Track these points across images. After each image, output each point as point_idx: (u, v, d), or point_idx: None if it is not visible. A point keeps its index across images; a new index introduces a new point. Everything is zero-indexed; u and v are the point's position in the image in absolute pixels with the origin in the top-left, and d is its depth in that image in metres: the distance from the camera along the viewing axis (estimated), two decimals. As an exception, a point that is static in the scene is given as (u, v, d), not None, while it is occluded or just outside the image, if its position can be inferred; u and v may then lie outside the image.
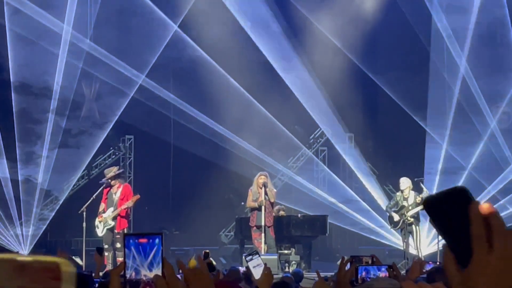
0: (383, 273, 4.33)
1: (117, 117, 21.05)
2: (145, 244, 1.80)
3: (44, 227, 20.13)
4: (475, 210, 1.22)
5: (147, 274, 1.78)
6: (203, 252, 8.61)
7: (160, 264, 1.80)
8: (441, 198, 1.27)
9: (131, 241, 1.80)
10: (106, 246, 14.35)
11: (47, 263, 1.03)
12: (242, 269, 9.86)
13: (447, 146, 20.67)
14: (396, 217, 15.05)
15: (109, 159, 22.68)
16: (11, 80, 19.98)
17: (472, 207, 1.22)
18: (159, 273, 1.78)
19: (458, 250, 1.24)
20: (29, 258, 1.04)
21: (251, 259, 5.23)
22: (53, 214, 20.51)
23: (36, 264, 1.02)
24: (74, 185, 21.81)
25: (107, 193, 14.56)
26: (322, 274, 12.44)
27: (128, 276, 1.78)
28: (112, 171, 14.70)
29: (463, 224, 1.23)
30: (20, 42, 19.91)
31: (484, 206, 1.23)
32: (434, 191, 18.56)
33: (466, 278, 1.22)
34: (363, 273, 4.28)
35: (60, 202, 20.87)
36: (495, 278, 1.20)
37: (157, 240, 1.80)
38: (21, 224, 19.67)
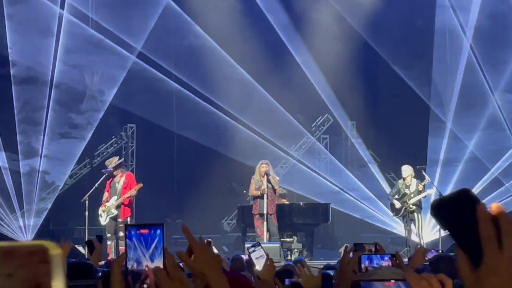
0: (386, 262, 4.33)
1: (118, 105, 21.04)
2: (146, 235, 1.80)
3: (44, 216, 20.13)
4: (481, 211, 1.23)
5: (148, 264, 1.78)
6: (205, 240, 8.60)
7: (162, 255, 1.79)
8: (447, 202, 1.28)
9: (132, 232, 1.79)
10: (109, 235, 14.39)
11: (34, 246, 1.02)
12: (244, 257, 9.88)
13: (449, 135, 20.63)
14: (397, 205, 15.05)
15: (111, 148, 22.69)
16: (11, 69, 19.95)
17: (479, 208, 1.22)
18: (161, 264, 1.78)
19: (469, 251, 1.24)
20: (15, 244, 1.02)
21: (254, 251, 5.26)
22: (55, 203, 20.52)
23: (23, 249, 1.01)
24: (76, 174, 21.83)
25: (110, 183, 14.59)
26: (325, 262, 12.45)
27: (129, 267, 1.78)
28: (113, 162, 14.70)
29: (472, 225, 1.24)
30: (19, 31, 19.88)
31: (493, 206, 1.23)
32: (436, 179, 18.61)
33: (479, 279, 1.22)
34: (366, 262, 4.28)
35: (63, 191, 20.90)
36: (507, 277, 1.20)
37: (158, 231, 1.80)
38: (23, 214, 19.69)
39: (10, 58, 19.91)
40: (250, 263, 8.95)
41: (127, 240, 1.79)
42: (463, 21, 20.64)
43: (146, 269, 1.79)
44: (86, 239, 9.73)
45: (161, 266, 1.78)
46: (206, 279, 2.22)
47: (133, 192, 14.32)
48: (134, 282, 1.79)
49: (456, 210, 1.26)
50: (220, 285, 2.24)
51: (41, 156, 20.22)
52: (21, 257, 1.01)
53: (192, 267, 2.23)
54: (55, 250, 1.03)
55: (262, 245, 5.59)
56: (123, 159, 15.78)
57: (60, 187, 20.93)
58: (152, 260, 1.79)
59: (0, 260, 1.00)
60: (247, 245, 13.82)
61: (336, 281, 4.51)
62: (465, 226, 1.25)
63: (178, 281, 1.77)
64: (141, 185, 14.47)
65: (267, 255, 5.03)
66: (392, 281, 2.16)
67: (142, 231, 1.80)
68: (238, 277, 2.81)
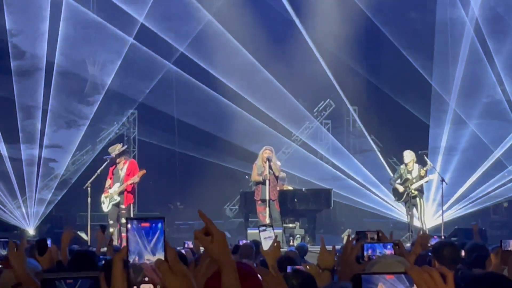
0: (389, 251, 4.34)
1: (119, 90, 21.02)
2: (147, 229, 1.80)
3: (46, 203, 20.16)
4: None
5: (150, 258, 1.78)
6: None
7: (163, 248, 1.79)
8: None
9: (133, 225, 1.79)
10: (111, 222, 14.40)
11: None
12: (242, 242, 9.89)
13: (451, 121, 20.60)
14: (401, 189, 15.04)
15: (113, 134, 22.69)
16: (11, 56, 19.92)
17: None
18: (162, 257, 1.78)
19: None
20: None
21: (264, 230, 5.30)
22: (58, 190, 20.55)
23: None
24: (78, 160, 21.84)
25: (113, 170, 14.58)
26: (328, 247, 12.45)
27: (131, 261, 1.78)
28: (116, 149, 14.67)
29: None
30: (19, 14, 19.82)
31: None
32: (438, 164, 18.59)
33: None
34: (369, 251, 4.28)
35: (65, 178, 20.92)
36: None
37: (159, 225, 1.80)
38: (26, 201, 19.73)
39: (10, 44, 19.87)
40: (255, 247, 8.98)
41: (128, 233, 1.79)
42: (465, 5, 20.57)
43: (148, 262, 1.78)
44: (100, 224, 9.74)
45: (163, 259, 1.78)
46: (219, 264, 2.28)
47: (136, 179, 14.31)
48: (136, 276, 1.79)
49: None
50: (233, 272, 2.36)
51: (42, 144, 20.22)
52: None
53: (210, 249, 2.32)
54: None
55: (274, 231, 5.65)
56: (126, 146, 15.72)
57: (62, 174, 20.94)
58: (153, 254, 1.79)
59: None
60: (249, 231, 13.86)
61: (338, 268, 4.52)
62: None
63: (180, 274, 1.77)
64: (144, 171, 14.45)
65: (275, 238, 5.07)
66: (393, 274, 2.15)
67: (143, 224, 1.80)
68: (241, 266, 2.81)
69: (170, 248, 1.78)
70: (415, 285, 1.66)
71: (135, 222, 1.80)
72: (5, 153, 19.62)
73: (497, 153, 19.91)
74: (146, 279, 1.77)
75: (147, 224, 1.80)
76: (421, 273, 1.32)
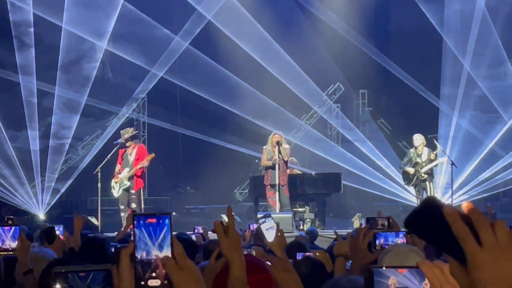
0: (401, 239, 4.32)
1: (128, 76, 21.05)
2: (154, 224, 1.79)
3: (57, 188, 20.24)
4: (449, 214, 1.24)
5: (157, 254, 1.78)
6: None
7: (170, 244, 1.79)
8: (416, 216, 1.29)
9: (140, 221, 1.78)
10: (122, 207, 14.43)
11: None
12: (252, 226, 9.88)
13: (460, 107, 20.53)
14: (411, 171, 15.00)
15: (123, 119, 22.73)
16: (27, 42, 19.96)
17: (446, 212, 1.22)
18: (169, 254, 1.77)
19: (454, 254, 1.25)
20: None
21: (264, 221, 5.26)
22: (68, 174, 20.63)
23: None
24: (88, 145, 21.89)
25: (122, 154, 14.59)
26: (337, 231, 12.45)
27: (139, 257, 1.77)
28: (128, 132, 14.69)
29: (447, 230, 1.25)
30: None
31: (464, 205, 1.24)
32: (448, 148, 18.54)
33: (469, 277, 1.23)
34: (382, 240, 4.27)
35: (75, 163, 20.99)
36: (493, 269, 1.20)
37: (166, 220, 1.79)
38: (36, 186, 19.80)
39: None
40: (258, 234, 8.98)
41: (135, 229, 1.79)
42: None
43: (155, 258, 1.78)
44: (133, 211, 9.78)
45: (170, 255, 1.77)
46: (229, 258, 2.35)
47: (145, 163, 14.32)
48: (143, 272, 1.78)
49: (427, 222, 1.27)
50: (240, 267, 2.51)
51: (50, 129, 20.28)
52: None
53: (223, 242, 2.49)
54: None
55: (274, 215, 5.60)
56: (137, 131, 15.75)
57: (72, 159, 21.00)
58: (161, 249, 1.78)
59: None
60: (259, 215, 13.87)
61: (350, 255, 4.51)
62: (441, 233, 1.25)
63: (187, 270, 1.76)
64: (153, 155, 14.46)
65: (278, 227, 5.03)
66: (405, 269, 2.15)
67: (150, 220, 1.80)
68: (249, 259, 2.81)
69: (177, 244, 1.77)
70: (426, 279, 1.65)
71: (142, 218, 1.80)
72: (15, 139, 19.69)
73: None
74: (154, 274, 1.77)
75: (153, 220, 1.79)
76: (433, 268, 1.32)
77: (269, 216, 5.43)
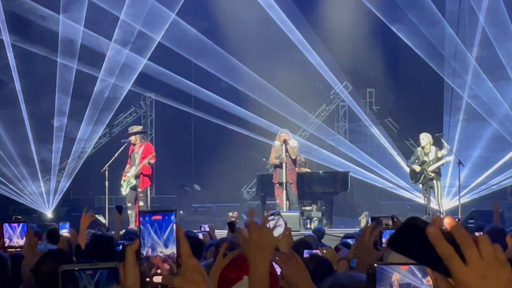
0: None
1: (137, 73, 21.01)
2: (160, 221, 1.81)
3: (65, 186, 20.25)
4: (432, 235, 1.25)
5: (163, 251, 1.79)
6: (228, 223, 8.69)
7: (175, 241, 1.80)
8: (399, 236, 1.30)
9: (146, 218, 1.80)
10: (129, 205, 14.49)
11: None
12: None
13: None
14: (417, 169, 14.98)
15: (130, 117, 22.76)
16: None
17: (429, 232, 1.23)
18: (174, 251, 1.79)
19: (442, 271, 1.26)
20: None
21: (273, 219, 5.26)
22: (76, 172, 20.65)
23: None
24: (96, 143, 21.93)
25: (131, 153, 14.67)
26: (345, 230, 12.52)
27: (144, 253, 1.79)
28: (133, 129, 14.79)
29: (431, 249, 1.26)
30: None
31: (446, 221, 1.25)
32: (455, 146, 18.51)
33: None
34: (387, 238, 4.27)
35: (83, 161, 21.01)
36: (482, 287, 1.21)
37: (172, 217, 1.81)
38: (42, 184, 19.83)
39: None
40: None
41: (141, 225, 1.80)
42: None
43: (161, 255, 1.80)
44: (116, 206, 9.83)
45: (175, 253, 1.79)
46: (249, 259, 2.38)
47: (145, 161, 14.31)
48: (149, 268, 1.80)
49: (410, 242, 1.28)
50: (260, 269, 2.60)
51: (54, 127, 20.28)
52: None
53: (246, 240, 2.52)
54: None
55: (282, 213, 5.61)
56: (146, 130, 15.82)
57: (79, 157, 21.01)
58: (166, 246, 1.80)
59: None
60: (267, 214, 13.87)
61: (356, 253, 4.51)
62: (425, 252, 1.26)
63: (192, 269, 1.76)
64: (153, 153, 14.49)
65: (285, 225, 5.04)
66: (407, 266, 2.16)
67: (155, 217, 1.81)
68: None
69: (184, 242, 1.78)
70: (429, 276, 1.66)
71: (147, 215, 1.81)
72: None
73: None
74: (159, 271, 1.78)
75: (159, 217, 1.81)
76: (466, 236, 1.29)
77: (279, 214, 5.45)
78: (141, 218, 1.76)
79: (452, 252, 1.23)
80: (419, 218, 1.31)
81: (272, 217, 5.52)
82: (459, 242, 1.23)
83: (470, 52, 20.40)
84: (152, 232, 1.76)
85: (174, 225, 1.75)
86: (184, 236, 1.79)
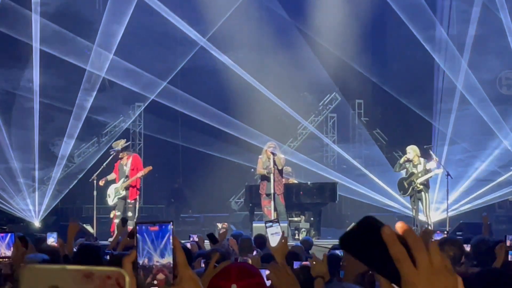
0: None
1: (125, 84, 20.99)
2: (156, 232, 1.82)
3: (52, 195, 20.18)
4: (387, 234, 1.27)
5: (159, 260, 1.80)
6: (207, 234, 8.76)
7: (171, 252, 1.81)
8: (352, 234, 1.30)
9: (143, 227, 1.81)
10: (118, 213, 14.52)
11: (112, 272, 1.19)
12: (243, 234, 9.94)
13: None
14: (404, 175, 15.04)
15: (119, 127, 22.72)
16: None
17: (383, 232, 1.25)
18: (170, 260, 1.80)
19: (388, 275, 1.27)
20: (96, 268, 1.19)
21: (271, 226, 5.31)
22: (64, 182, 20.58)
23: (103, 273, 1.18)
24: (84, 153, 21.86)
25: (118, 166, 14.78)
26: (333, 241, 12.49)
27: (141, 262, 1.80)
28: (119, 144, 14.91)
29: (382, 250, 1.27)
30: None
31: (398, 226, 1.28)
32: (443, 158, 18.57)
33: None
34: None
35: (71, 170, 20.94)
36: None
37: (168, 227, 1.81)
38: (30, 194, 19.75)
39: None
40: (263, 240, 9.01)
41: (138, 235, 1.81)
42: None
43: (158, 264, 1.80)
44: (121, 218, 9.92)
45: (171, 262, 1.79)
46: None
47: (140, 174, 14.53)
48: (145, 277, 1.81)
49: (363, 240, 1.29)
50: None
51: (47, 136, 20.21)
52: (100, 279, 1.18)
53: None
54: (129, 277, 1.21)
55: (280, 225, 5.64)
56: (129, 142, 15.90)
57: (67, 167, 20.94)
58: (162, 256, 1.81)
59: (82, 281, 1.16)
60: (254, 225, 13.90)
61: (345, 263, 4.52)
62: (376, 253, 1.27)
63: (188, 279, 1.77)
64: (150, 168, 14.68)
65: (283, 233, 5.07)
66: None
67: (152, 228, 1.82)
68: (242, 265, 2.84)
69: (180, 253, 1.79)
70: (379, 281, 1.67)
71: (144, 226, 1.82)
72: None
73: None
74: (155, 282, 1.79)
75: (155, 228, 1.82)
76: (417, 240, 1.33)
77: (277, 222, 5.49)
78: (138, 228, 1.77)
79: (405, 254, 1.26)
80: (374, 217, 1.31)
81: (270, 224, 5.56)
82: (411, 245, 1.27)
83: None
84: (148, 242, 1.77)
85: (171, 236, 1.76)
86: (181, 247, 1.80)
